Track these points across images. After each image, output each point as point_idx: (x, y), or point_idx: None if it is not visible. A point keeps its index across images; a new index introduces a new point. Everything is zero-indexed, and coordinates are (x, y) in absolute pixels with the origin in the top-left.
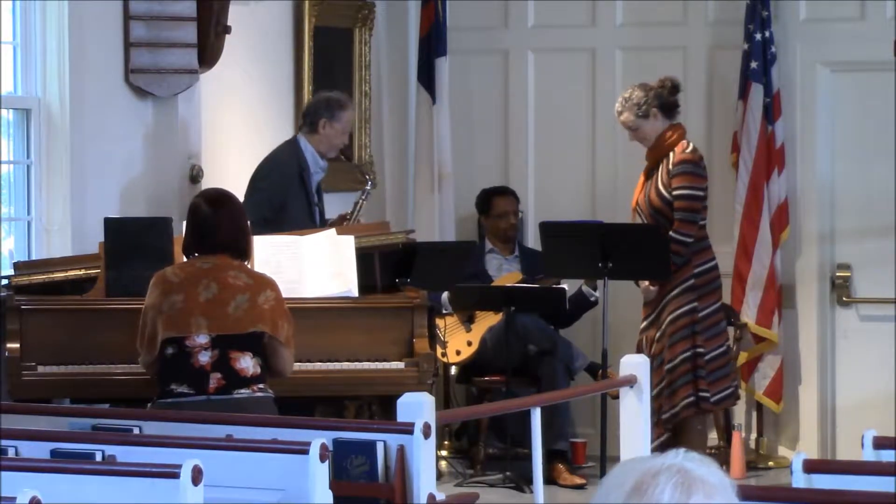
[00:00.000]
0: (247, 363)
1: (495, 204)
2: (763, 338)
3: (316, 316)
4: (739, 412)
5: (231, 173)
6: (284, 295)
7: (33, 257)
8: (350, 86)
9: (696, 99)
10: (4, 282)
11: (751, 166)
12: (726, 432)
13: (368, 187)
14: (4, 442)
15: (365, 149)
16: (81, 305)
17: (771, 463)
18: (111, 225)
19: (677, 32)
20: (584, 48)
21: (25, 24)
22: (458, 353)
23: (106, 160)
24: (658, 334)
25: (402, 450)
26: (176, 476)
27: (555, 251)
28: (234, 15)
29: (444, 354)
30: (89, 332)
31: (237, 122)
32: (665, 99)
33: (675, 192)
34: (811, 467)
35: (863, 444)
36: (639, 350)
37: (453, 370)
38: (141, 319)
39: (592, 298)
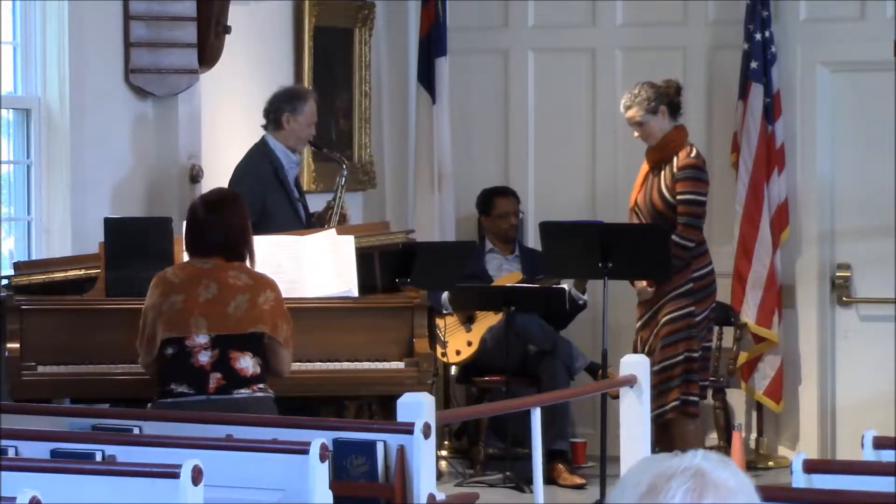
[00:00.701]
0: (247, 363)
1: (496, 204)
2: (763, 338)
3: (316, 316)
4: (739, 412)
5: (231, 173)
6: (284, 295)
7: (33, 257)
8: (350, 86)
9: (696, 99)
10: (4, 282)
11: (751, 166)
12: (726, 432)
13: (345, 171)
14: (4, 442)
15: (365, 149)
16: (81, 305)
17: (771, 463)
18: (111, 225)
19: (677, 32)
20: (584, 48)
21: (25, 24)
22: (458, 353)
23: (106, 160)
24: (651, 336)
25: (402, 450)
26: (176, 476)
27: (555, 251)
28: (234, 15)
29: (444, 354)
30: (89, 332)
31: (237, 122)
32: (672, 98)
33: (679, 197)
34: (811, 467)
35: (863, 444)
36: (634, 350)
37: (453, 370)
38: (141, 320)
39: (581, 302)
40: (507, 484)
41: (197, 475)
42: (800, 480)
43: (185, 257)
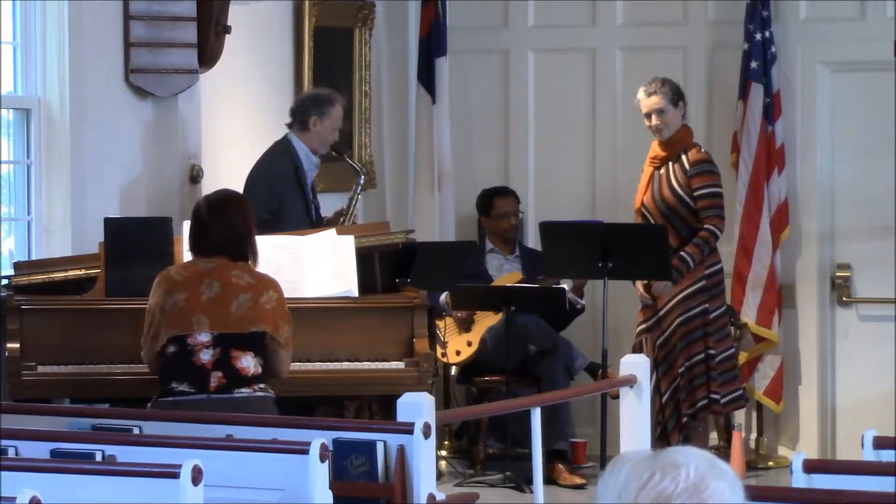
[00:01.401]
0: (248, 362)
1: (496, 204)
2: (763, 338)
3: (316, 316)
4: (739, 412)
5: (231, 173)
6: (285, 295)
7: (33, 257)
8: (350, 86)
9: (696, 99)
10: (4, 282)
11: (751, 166)
12: (726, 432)
13: (361, 181)
14: (4, 442)
15: (365, 149)
16: (81, 305)
17: (771, 463)
18: (111, 225)
19: (677, 32)
20: (584, 48)
21: (25, 24)
22: (458, 353)
23: (106, 160)
24: (663, 338)
25: (402, 450)
26: (176, 476)
27: (555, 251)
28: (234, 15)
29: (444, 354)
30: (89, 332)
31: (237, 122)
32: (685, 100)
33: (701, 192)
34: (811, 467)
35: (863, 444)
36: (634, 352)
37: (453, 370)
38: (146, 317)
39: (578, 306)
40: (507, 484)
41: (197, 475)
42: (800, 480)
43: (186, 257)
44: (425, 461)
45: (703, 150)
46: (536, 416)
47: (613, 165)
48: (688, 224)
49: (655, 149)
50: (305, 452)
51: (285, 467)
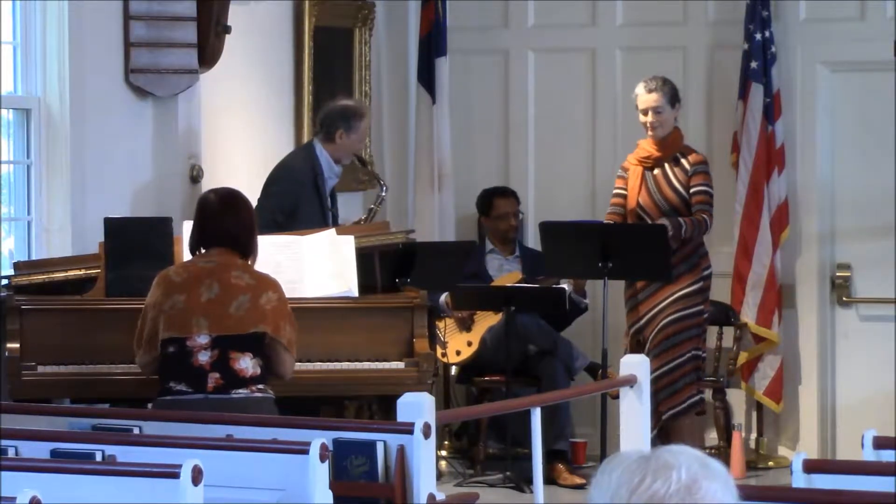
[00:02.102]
0: (246, 364)
1: (496, 205)
2: (763, 338)
3: (316, 316)
4: (739, 412)
5: (231, 173)
6: (285, 295)
7: (33, 257)
8: (350, 86)
9: (696, 99)
10: (4, 282)
11: (751, 166)
12: (726, 432)
13: (383, 193)
14: (4, 442)
15: (365, 149)
16: (81, 305)
17: (771, 463)
18: (111, 225)
19: (677, 32)
20: (584, 48)
21: (25, 24)
22: (458, 353)
23: (106, 160)
24: (651, 335)
25: (402, 450)
26: (176, 476)
27: (555, 251)
28: (234, 15)
29: (444, 354)
30: (89, 332)
31: (237, 122)
32: (681, 101)
33: (695, 188)
34: (811, 467)
35: (863, 444)
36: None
37: (453, 370)
38: (140, 318)
39: (582, 306)
40: (507, 484)
41: (197, 475)
42: (800, 480)
43: (186, 257)
44: (425, 461)
45: (698, 152)
46: (536, 416)
47: (613, 165)
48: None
49: (647, 148)
50: (305, 452)
51: (285, 467)
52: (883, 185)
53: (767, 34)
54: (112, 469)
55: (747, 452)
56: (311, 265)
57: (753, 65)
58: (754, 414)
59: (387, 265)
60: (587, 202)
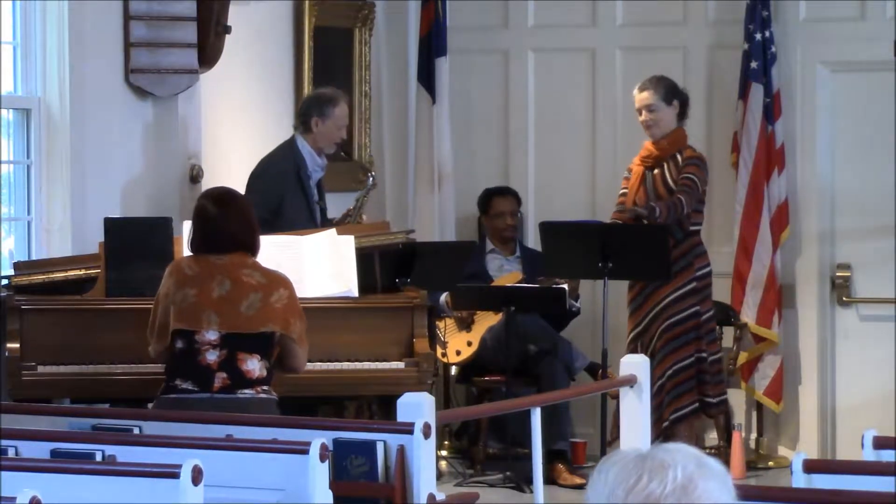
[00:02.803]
0: (253, 365)
1: (494, 204)
2: (763, 338)
3: (316, 316)
4: (739, 412)
5: (231, 173)
6: None
7: (33, 257)
8: (350, 86)
9: (696, 99)
10: (4, 282)
11: (751, 166)
12: (726, 432)
13: (370, 183)
14: (4, 442)
15: (365, 149)
16: (81, 305)
17: (771, 463)
18: (111, 225)
19: (677, 32)
20: (584, 48)
21: (25, 24)
22: (458, 353)
23: (106, 160)
24: (652, 340)
25: (402, 450)
26: (176, 476)
27: (555, 251)
28: (234, 15)
29: (444, 354)
30: (89, 332)
31: (237, 122)
32: (685, 100)
33: (681, 177)
34: (811, 467)
35: (863, 444)
36: None
37: (453, 370)
38: (153, 308)
39: (574, 309)
40: (507, 484)
41: (197, 475)
42: (800, 480)
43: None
44: (425, 461)
45: (697, 151)
46: (536, 416)
47: (613, 165)
48: (682, 225)
49: (649, 148)
50: (305, 452)
51: (285, 467)
52: (883, 185)
53: (767, 34)
54: (112, 469)
55: (747, 452)
56: (311, 265)
57: (753, 65)
58: (754, 414)
59: (387, 265)
60: (587, 202)
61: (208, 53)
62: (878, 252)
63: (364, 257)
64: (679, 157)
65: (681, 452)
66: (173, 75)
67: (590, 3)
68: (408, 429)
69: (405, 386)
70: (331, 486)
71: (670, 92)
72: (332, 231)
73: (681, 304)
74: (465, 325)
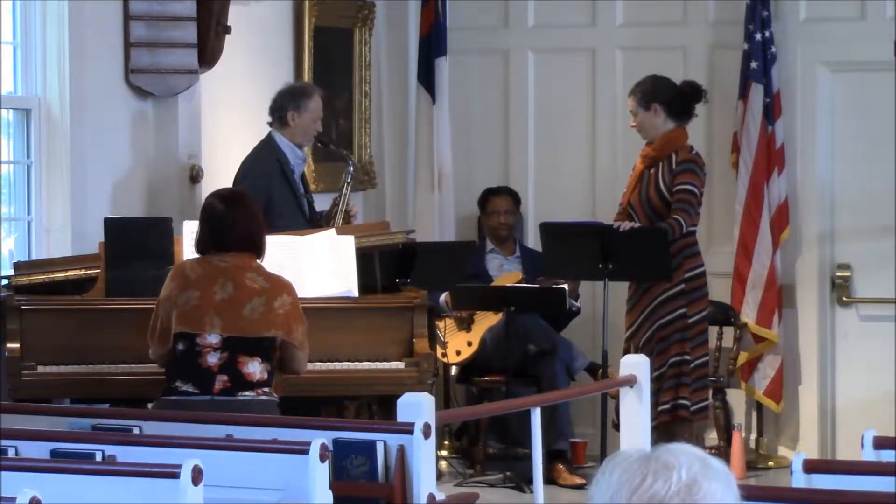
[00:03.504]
0: (254, 368)
1: (490, 202)
2: (763, 338)
3: (316, 316)
4: (739, 412)
5: (231, 173)
6: None
7: (33, 257)
8: (350, 86)
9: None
10: (4, 282)
11: (751, 166)
12: (726, 432)
13: (351, 168)
14: (4, 442)
15: (365, 149)
16: (81, 305)
17: (771, 463)
18: (111, 225)
19: (677, 32)
20: (584, 48)
21: (25, 24)
22: (458, 353)
23: (106, 160)
24: (644, 339)
25: (402, 450)
26: (176, 476)
27: (555, 252)
28: (234, 15)
29: (444, 354)
30: (89, 332)
31: (237, 122)
32: (673, 100)
33: (677, 187)
34: (811, 467)
35: (863, 444)
36: None
37: (453, 370)
38: (154, 311)
39: (574, 308)
40: (507, 484)
41: (197, 475)
42: (800, 480)
43: (186, 257)
44: (425, 461)
45: (694, 151)
46: (536, 416)
47: (613, 165)
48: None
49: (646, 147)
50: (305, 452)
51: (285, 467)
52: (883, 185)
53: (767, 34)
54: (112, 469)
55: (747, 452)
56: (311, 265)
57: (753, 65)
58: (754, 414)
59: (387, 265)
60: (587, 202)
61: (208, 53)
62: (878, 252)
63: (364, 257)
64: (674, 158)
65: (685, 453)
66: (173, 75)
67: (590, 3)
68: (408, 429)
69: (405, 386)
70: (331, 486)
71: (647, 96)
72: (332, 231)
73: (668, 306)
74: (465, 325)
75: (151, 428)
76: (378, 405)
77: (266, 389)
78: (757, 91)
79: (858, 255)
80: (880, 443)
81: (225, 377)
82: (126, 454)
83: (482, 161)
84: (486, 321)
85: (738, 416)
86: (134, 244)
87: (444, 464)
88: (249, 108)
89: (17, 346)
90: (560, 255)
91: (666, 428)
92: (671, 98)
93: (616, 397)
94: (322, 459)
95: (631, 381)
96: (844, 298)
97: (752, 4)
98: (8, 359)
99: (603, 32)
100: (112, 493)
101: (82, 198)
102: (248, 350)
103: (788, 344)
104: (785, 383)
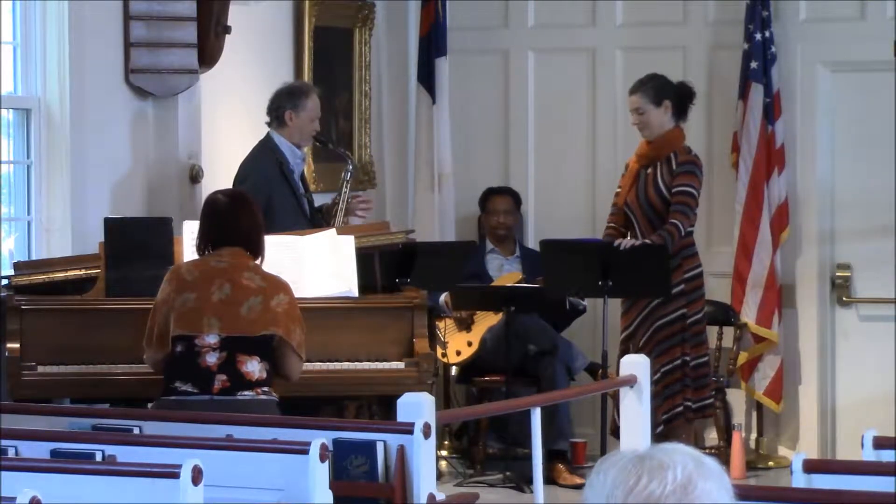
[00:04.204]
0: (253, 367)
1: (490, 202)
2: (763, 338)
3: (316, 316)
4: (739, 412)
5: (231, 173)
6: None
7: (33, 257)
8: (350, 86)
9: (697, 99)
10: (4, 282)
11: (751, 166)
12: (726, 432)
13: (350, 167)
14: (4, 442)
15: (365, 149)
16: (81, 305)
17: (771, 463)
18: (111, 225)
19: (677, 32)
20: (584, 48)
21: (25, 24)
22: (458, 353)
23: (106, 160)
24: (643, 341)
25: (402, 450)
26: (176, 476)
27: (555, 268)
28: (234, 15)
29: (444, 354)
30: (89, 332)
31: (237, 122)
32: (681, 98)
33: (677, 188)
34: (811, 467)
35: (863, 444)
36: None
37: (453, 370)
38: (150, 315)
39: (581, 307)
40: (507, 484)
41: (197, 475)
42: (800, 480)
43: (186, 257)
44: (425, 461)
45: (693, 152)
46: (536, 416)
47: (613, 165)
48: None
49: (644, 147)
50: (305, 452)
51: (285, 467)
52: (883, 185)
53: (767, 34)
54: (112, 469)
55: (747, 452)
56: (311, 265)
57: (753, 65)
58: (754, 414)
59: (387, 265)
60: (587, 202)
61: (208, 53)
62: (878, 252)
63: (364, 257)
64: (673, 159)
65: (679, 452)
66: (173, 75)
67: (590, 3)
68: (408, 429)
69: (405, 386)
70: (331, 486)
71: (660, 92)
72: (333, 231)
73: (668, 307)
74: (465, 325)
75: (151, 428)
76: (378, 405)
77: (265, 388)
78: (757, 91)
79: (858, 255)
80: (880, 443)
81: (224, 377)
82: (126, 454)
83: (482, 161)
84: (486, 321)
85: (738, 416)
86: (134, 244)
87: (444, 464)
88: (249, 108)
89: (17, 346)
90: (560, 271)
91: (669, 429)
92: (679, 98)
93: (616, 397)
94: (322, 459)
95: (631, 381)
96: (844, 298)
97: (752, 4)
98: (8, 359)
99: (603, 32)
100: (112, 494)
101: (82, 198)
102: (246, 349)
103: (788, 344)
104: (785, 383)
